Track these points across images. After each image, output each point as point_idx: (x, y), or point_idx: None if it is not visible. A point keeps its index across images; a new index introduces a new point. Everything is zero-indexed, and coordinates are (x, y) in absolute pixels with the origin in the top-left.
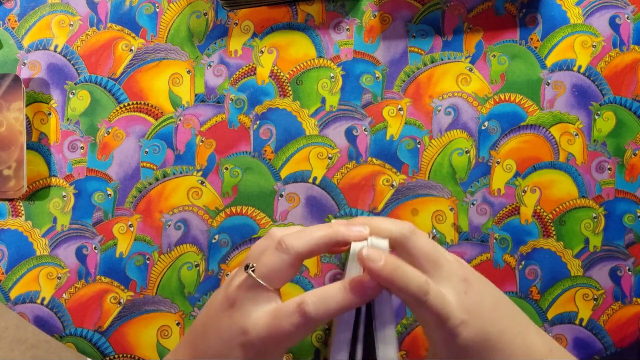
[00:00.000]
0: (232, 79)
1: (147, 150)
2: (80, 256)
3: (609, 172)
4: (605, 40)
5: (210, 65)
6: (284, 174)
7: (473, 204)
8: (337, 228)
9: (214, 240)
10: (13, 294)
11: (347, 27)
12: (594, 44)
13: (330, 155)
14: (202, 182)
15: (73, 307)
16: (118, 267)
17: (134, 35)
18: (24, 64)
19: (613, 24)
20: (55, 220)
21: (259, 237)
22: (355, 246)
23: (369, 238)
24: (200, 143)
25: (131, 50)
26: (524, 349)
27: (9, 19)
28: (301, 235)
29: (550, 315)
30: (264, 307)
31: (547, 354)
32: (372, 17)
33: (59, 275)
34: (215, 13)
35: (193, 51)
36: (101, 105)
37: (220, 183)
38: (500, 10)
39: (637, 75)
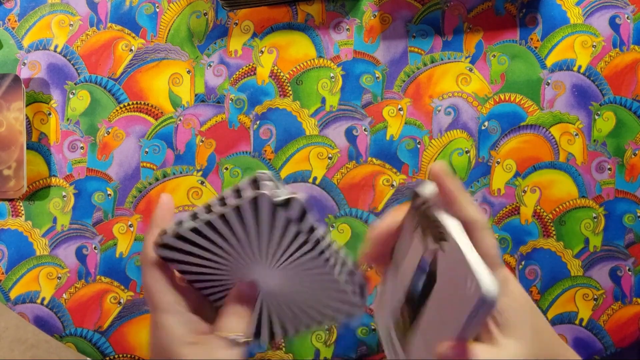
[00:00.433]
0: (232, 79)
1: (147, 150)
2: (80, 256)
3: (609, 172)
4: (605, 40)
5: (210, 65)
6: (284, 174)
7: None
8: None
9: None
10: (13, 294)
11: (347, 27)
12: (594, 44)
13: (330, 155)
14: (202, 182)
15: (73, 307)
16: (118, 267)
17: (134, 35)
18: (24, 64)
19: (613, 24)
20: (55, 220)
21: None
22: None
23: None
24: (200, 143)
25: (131, 50)
26: None
27: (9, 19)
28: None
29: (550, 315)
30: None
31: None
32: (372, 17)
33: (59, 275)
34: (215, 13)
35: (193, 51)
36: (101, 105)
37: (220, 183)
38: (500, 10)
39: (637, 75)
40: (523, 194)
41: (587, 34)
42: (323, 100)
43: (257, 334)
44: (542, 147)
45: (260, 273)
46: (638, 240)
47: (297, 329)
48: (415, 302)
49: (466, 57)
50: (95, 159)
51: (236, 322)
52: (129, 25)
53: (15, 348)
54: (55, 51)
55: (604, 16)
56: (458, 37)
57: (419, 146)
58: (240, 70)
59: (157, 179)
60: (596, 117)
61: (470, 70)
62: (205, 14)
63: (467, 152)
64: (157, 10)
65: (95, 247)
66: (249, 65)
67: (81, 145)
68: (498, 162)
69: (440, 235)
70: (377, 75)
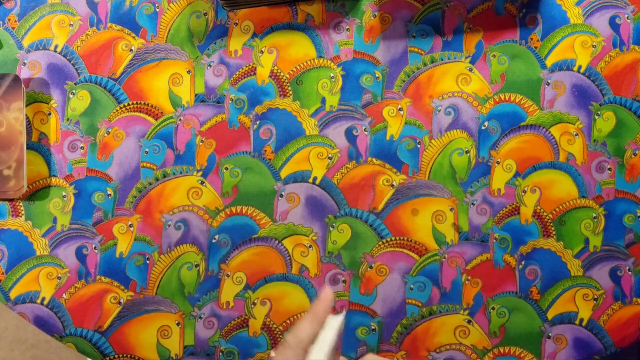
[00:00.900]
0: (232, 79)
1: (147, 150)
2: (80, 256)
3: (609, 172)
4: (605, 40)
5: (210, 65)
6: (284, 173)
7: (473, 204)
8: (317, 316)
9: (214, 240)
10: (13, 294)
11: (347, 27)
12: (594, 44)
13: (330, 155)
14: (202, 182)
15: (73, 307)
16: (118, 267)
17: (134, 35)
18: (24, 64)
19: (613, 24)
20: (55, 220)
21: (259, 237)
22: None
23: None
24: (200, 143)
25: (131, 50)
26: None
27: (9, 19)
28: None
29: (550, 315)
30: None
31: None
32: (372, 17)
33: (59, 275)
34: (215, 13)
35: (193, 51)
36: (101, 105)
37: (220, 183)
38: (500, 10)
39: (637, 75)
40: (523, 194)
41: (587, 34)
42: (323, 100)
43: None
44: (542, 147)
45: None
46: (638, 240)
47: None
48: None
49: (466, 57)
50: (95, 159)
51: None
52: (129, 25)
53: (15, 348)
54: (55, 51)
55: (604, 16)
56: (458, 37)
57: (419, 146)
58: (240, 70)
59: (157, 179)
60: (596, 117)
61: (470, 70)
62: (205, 14)
63: (467, 152)
64: (157, 10)
65: (95, 247)
66: (249, 65)
67: (81, 145)
68: (498, 162)
69: None
70: (377, 75)
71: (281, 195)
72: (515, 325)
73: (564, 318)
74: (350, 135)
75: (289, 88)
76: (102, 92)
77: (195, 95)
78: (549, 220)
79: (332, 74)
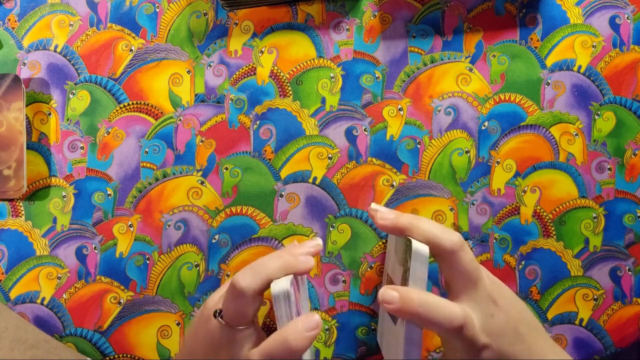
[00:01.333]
0: (232, 79)
1: (147, 150)
2: (80, 256)
3: (609, 172)
4: (605, 40)
5: (210, 65)
6: (284, 174)
7: (473, 204)
8: (287, 259)
9: (213, 241)
10: (13, 294)
11: (347, 27)
12: (594, 44)
13: (330, 155)
14: (202, 182)
15: (73, 307)
16: (118, 267)
17: (134, 35)
18: (24, 64)
19: (613, 24)
20: (55, 220)
21: (259, 237)
22: (416, 247)
23: (412, 242)
24: (200, 143)
25: (131, 50)
26: None
27: (9, 19)
28: (253, 272)
29: (550, 315)
30: (248, 345)
31: None
32: (372, 17)
33: (59, 275)
34: (215, 13)
35: (193, 51)
36: (101, 105)
37: (220, 183)
38: (500, 10)
39: (637, 75)
40: (523, 194)
41: (587, 34)
42: (323, 100)
43: None
44: (542, 147)
45: None
46: (638, 240)
47: None
48: None
49: (466, 57)
50: (95, 159)
51: None
52: (129, 25)
53: (15, 348)
54: (55, 51)
55: (604, 16)
56: (458, 37)
57: (419, 146)
58: (240, 70)
59: (157, 179)
60: (596, 117)
61: (470, 70)
62: (205, 14)
63: (467, 152)
64: (157, 10)
65: (95, 247)
66: (249, 65)
67: (81, 145)
68: (498, 162)
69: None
70: (377, 75)
71: (281, 195)
72: None
73: (563, 318)
74: (350, 135)
75: (289, 88)
76: (102, 92)
77: (195, 95)
78: (549, 220)
79: (332, 74)
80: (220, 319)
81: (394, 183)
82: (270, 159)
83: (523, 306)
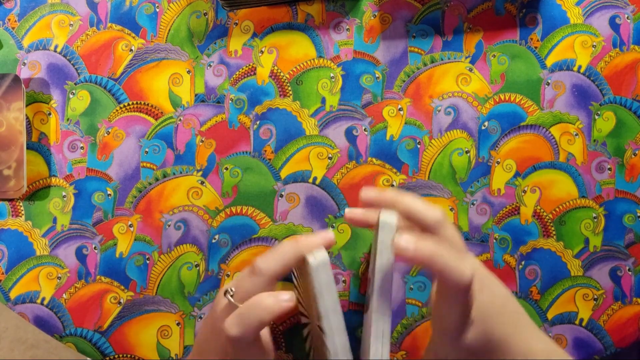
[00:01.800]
0: (232, 79)
1: (147, 150)
2: (80, 256)
3: (609, 172)
4: (605, 40)
5: (210, 65)
6: (284, 174)
7: (473, 204)
8: (301, 243)
9: (213, 240)
10: (13, 294)
11: (347, 27)
12: (594, 44)
13: (330, 155)
14: (202, 182)
15: (73, 307)
16: (118, 267)
17: (134, 35)
18: (24, 64)
19: (613, 24)
20: (55, 220)
21: (259, 237)
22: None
23: (381, 212)
24: (200, 143)
25: (131, 50)
26: (523, 355)
27: (9, 19)
28: (270, 256)
29: (550, 315)
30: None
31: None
32: (372, 17)
33: (59, 275)
34: (215, 13)
35: (193, 51)
36: (101, 105)
37: (220, 183)
38: (500, 10)
39: (637, 75)
40: (523, 194)
41: (587, 34)
42: (323, 100)
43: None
44: (542, 147)
45: None
46: (638, 240)
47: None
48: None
49: (466, 57)
50: (95, 159)
51: None
52: (129, 25)
53: (15, 348)
54: (55, 51)
55: (604, 16)
56: (458, 37)
57: (419, 146)
58: (240, 70)
59: (157, 179)
60: (596, 117)
61: (470, 70)
62: (205, 14)
63: (467, 152)
64: (157, 10)
65: (95, 247)
66: (249, 65)
67: (81, 145)
68: (498, 162)
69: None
70: (377, 75)
71: (281, 196)
72: None
73: (563, 318)
74: (350, 135)
75: (289, 88)
76: (102, 92)
77: (195, 95)
78: (549, 220)
79: (332, 74)
80: (230, 297)
81: (394, 183)
82: (270, 159)
83: (508, 292)
